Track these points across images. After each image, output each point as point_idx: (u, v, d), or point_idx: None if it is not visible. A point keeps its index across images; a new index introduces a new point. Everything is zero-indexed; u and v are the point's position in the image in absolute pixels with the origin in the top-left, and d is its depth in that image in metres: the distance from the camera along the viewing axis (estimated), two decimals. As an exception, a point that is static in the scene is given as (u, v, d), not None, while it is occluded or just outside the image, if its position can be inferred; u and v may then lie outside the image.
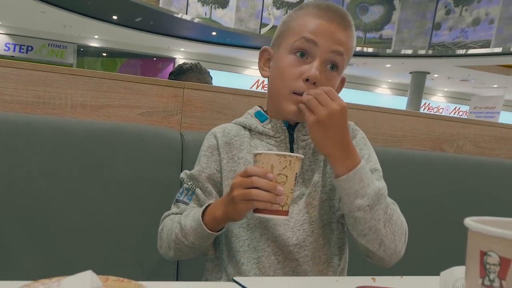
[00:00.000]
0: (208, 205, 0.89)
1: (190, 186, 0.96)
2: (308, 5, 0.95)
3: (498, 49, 9.19)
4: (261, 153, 0.80)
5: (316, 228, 0.95)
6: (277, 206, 0.78)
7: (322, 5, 0.93)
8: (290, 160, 0.79)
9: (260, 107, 1.03)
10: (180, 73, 2.14)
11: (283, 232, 0.93)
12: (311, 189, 0.95)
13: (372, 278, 0.81)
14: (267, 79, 1.01)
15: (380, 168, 0.97)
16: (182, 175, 0.99)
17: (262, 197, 0.77)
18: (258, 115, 1.01)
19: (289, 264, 0.93)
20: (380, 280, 0.81)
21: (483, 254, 0.45)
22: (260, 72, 1.01)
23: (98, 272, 0.61)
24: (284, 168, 0.78)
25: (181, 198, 0.97)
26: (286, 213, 0.80)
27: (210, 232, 0.86)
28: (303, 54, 0.91)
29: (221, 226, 0.88)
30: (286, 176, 0.79)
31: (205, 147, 1.00)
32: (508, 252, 0.43)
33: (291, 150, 0.97)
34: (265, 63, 1.00)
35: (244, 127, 1.00)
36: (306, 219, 0.94)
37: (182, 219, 0.90)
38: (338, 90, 0.99)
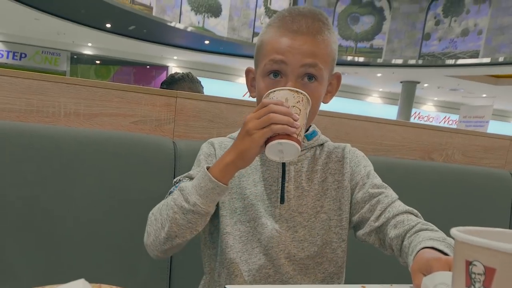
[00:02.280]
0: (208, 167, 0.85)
1: (187, 181, 0.94)
2: (276, 18, 0.93)
3: (487, 59, 9.30)
4: (274, 90, 0.82)
5: (310, 246, 0.95)
6: (294, 130, 0.77)
7: (287, 16, 0.90)
8: (302, 97, 0.81)
9: None
10: (172, 82, 2.14)
11: (276, 245, 0.93)
12: (304, 208, 0.96)
13: (362, 286, 0.82)
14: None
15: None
16: (176, 178, 0.97)
17: (280, 120, 0.76)
18: None
19: (280, 277, 0.93)
20: (370, 288, 0.82)
21: (469, 263, 0.46)
22: (250, 93, 1.01)
23: (91, 280, 0.62)
24: (297, 102, 0.80)
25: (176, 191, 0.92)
26: (300, 142, 0.79)
27: (216, 181, 0.81)
28: (276, 75, 0.90)
29: (228, 177, 0.83)
30: (300, 110, 0.80)
31: (205, 153, 0.99)
32: (492, 261, 0.43)
33: (283, 165, 0.97)
34: (251, 83, 1.00)
35: None
36: (297, 236, 0.95)
37: (181, 185, 0.87)
38: (335, 89, 0.99)
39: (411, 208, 0.94)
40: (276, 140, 0.77)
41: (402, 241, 0.88)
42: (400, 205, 0.94)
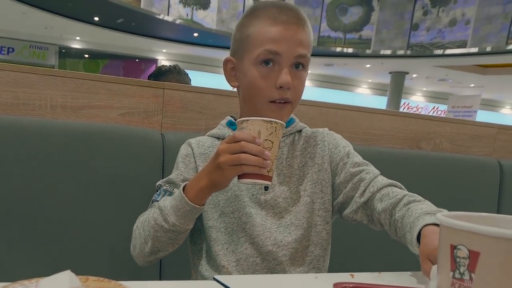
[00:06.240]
0: (185, 185, 0.88)
1: (168, 187, 0.96)
2: (259, 9, 0.95)
3: (475, 49, 9.35)
4: (248, 120, 0.81)
5: (296, 229, 0.96)
6: (264, 171, 0.79)
7: (273, 8, 0.93)
8: (275, 127, 0.81)
9: (231, 117, 1.06)
10: (159, 74, 2.13)
11: (261, 233, 0.94)
12: (288, 194, 0.98)
13: (351, 275, 0.83)
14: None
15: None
16: (158, 182, 0.99)
17: (251, 161, 0.77)
18: (229, 124, 1.04)
19: (268, 264, 0.95)
20: (359, 276, 0.82)
21: (453, 247, 0.46)
22: (228, 83, 1.02)
23: (79, 272, 0.61)
24: (270, 134, 0.80)
25: (158, 199, 0.95)
26: (270, 179, 0.81)
27: (193, 204, 0.84)
28: (268, 63, 0.92)
29: (204, 200, 0.86)
30: (272, 142, 0.80)
31: (183, 155, 1.01)
32: (476, 245, 0.44)
33: None
34: (230, 73, 1.00)
35: (218, 138, 1.03)
36: (284, 221, 0.96)
37: (160, 203, 0.89)
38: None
39: (394, 181, 0.97)
40: (247, 179, 0.80)
41: (391, 215, 0.90)
42: (383, 179, 0.96)
